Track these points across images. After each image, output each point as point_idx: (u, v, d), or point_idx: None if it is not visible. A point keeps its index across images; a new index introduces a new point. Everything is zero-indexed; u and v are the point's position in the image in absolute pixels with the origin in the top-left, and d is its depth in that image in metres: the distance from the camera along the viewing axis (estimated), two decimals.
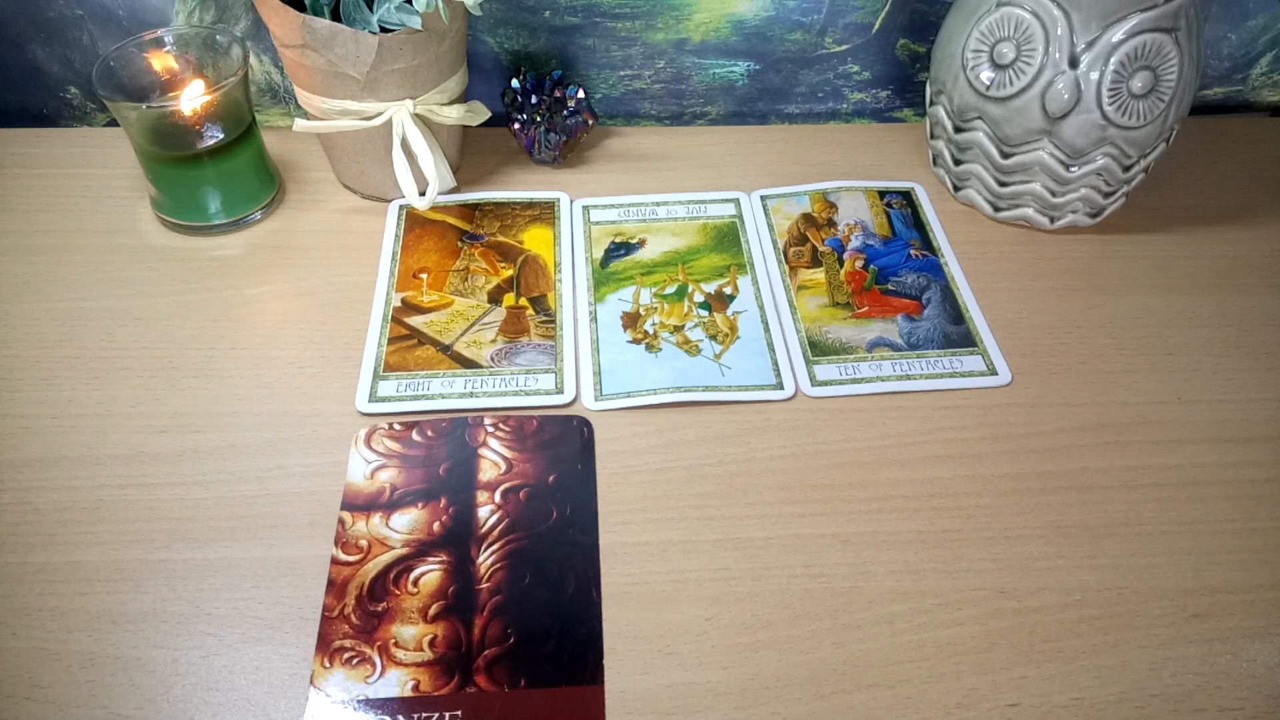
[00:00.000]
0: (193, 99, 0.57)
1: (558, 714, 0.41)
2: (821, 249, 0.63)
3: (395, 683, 0.42)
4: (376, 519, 0.47)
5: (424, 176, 0.61)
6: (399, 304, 0.58)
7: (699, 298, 0.59)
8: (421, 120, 0.60)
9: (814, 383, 0.54)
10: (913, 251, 0.63)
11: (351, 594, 0.44)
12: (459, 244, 0.62)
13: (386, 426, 0.51)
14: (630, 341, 0.56)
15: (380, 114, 0.59)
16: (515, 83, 0.67)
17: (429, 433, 0.51)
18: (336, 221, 0.64)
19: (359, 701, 0.41)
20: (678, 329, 0.57)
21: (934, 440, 0.52)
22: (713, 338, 0.57)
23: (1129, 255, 0.63)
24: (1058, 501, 0.49)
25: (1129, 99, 0.56)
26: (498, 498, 0.48)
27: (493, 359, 0.55)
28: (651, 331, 0.57)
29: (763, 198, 0.66)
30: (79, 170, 0.66)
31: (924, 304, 0.59)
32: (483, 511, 0.48)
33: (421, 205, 0.61)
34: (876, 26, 0.71)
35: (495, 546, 0.46)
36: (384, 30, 0.55)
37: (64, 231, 0.62)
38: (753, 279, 0.60)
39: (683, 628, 0.44)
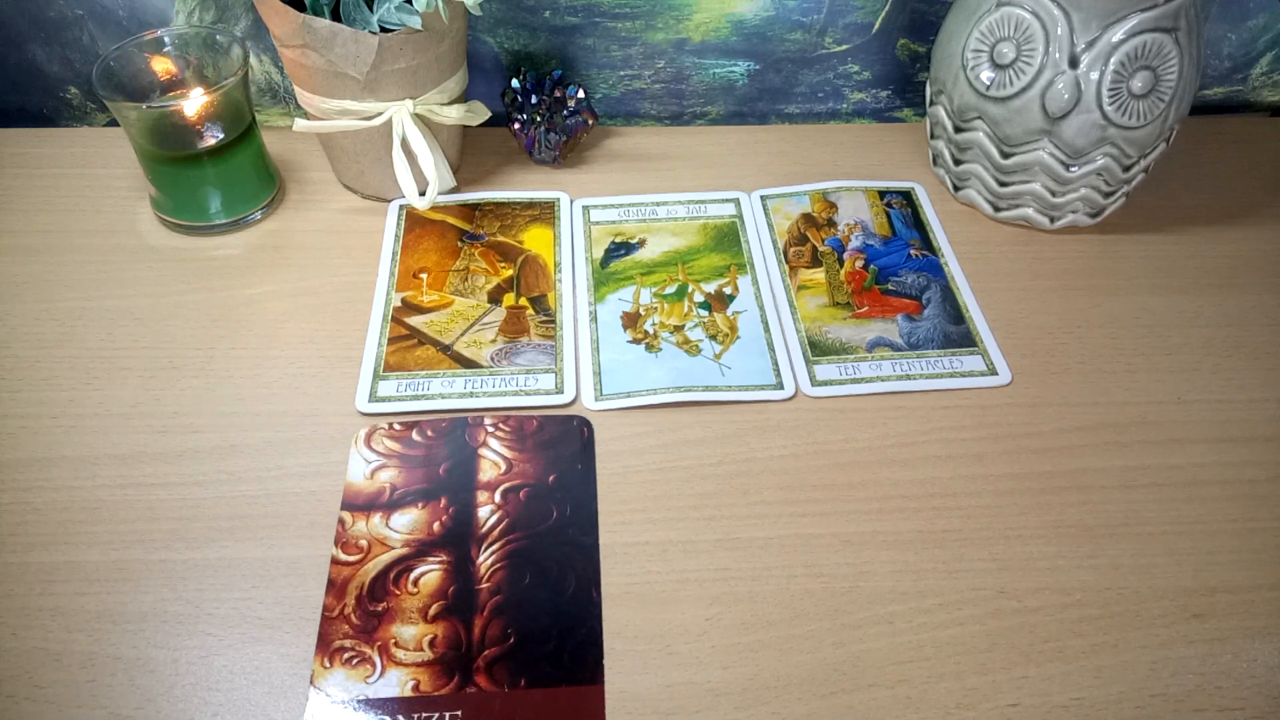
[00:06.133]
0: (193, 99, 0.57)
1: (558, 714, 0.41)
2: (821, 249, 0.63)
3: (395, 683, 0.42)
4: (376, 519, 0.47)
5: (424, 176, 0.61)
6: (399, 304, 0.58)
7: (699, 298, 0.59)
8: (421, 120, 0.60)
9: (814, 383, 0.54)
10: (913, 251, 0.63)
11: (351, 594, 0.44)
12: (459, 244, 0.62)
13: (386, 426, 0.51)
14: (630, 341, 0.56)
15: (380, 114, 0.59)
16: (515, 83, 0.67)
17: (429, 433, 0.51)
18: (336, 221, 0.64)
19: (359, 701, 0.41)
20: (678, 329, 0.57)
21: (934, 440, 0.52)
22: (713, 338, 0.57)
23: (1129, 255, 0.63)
24: (1058, 501, 0.49)
25: (1129, 99, 0.56)
26: (498, 498, 0.48)
27: (493, 359, 0.55)
28: (651, 331, 0.57)
29: (763, 198, 0.66)
30: (79, 170, 0.66)
31: (924, 304, 0.59)
32: (483, 511, 0.48)
33: (421, 205, 0.61)
34: (876, 26, 0.71)
35: (495, 546, 0.46)
36: (384, 30, 0.55)
37: (64, 231, 0.62)
38: (753, 279, 0.60)
39: (683, 628, 0.44)
